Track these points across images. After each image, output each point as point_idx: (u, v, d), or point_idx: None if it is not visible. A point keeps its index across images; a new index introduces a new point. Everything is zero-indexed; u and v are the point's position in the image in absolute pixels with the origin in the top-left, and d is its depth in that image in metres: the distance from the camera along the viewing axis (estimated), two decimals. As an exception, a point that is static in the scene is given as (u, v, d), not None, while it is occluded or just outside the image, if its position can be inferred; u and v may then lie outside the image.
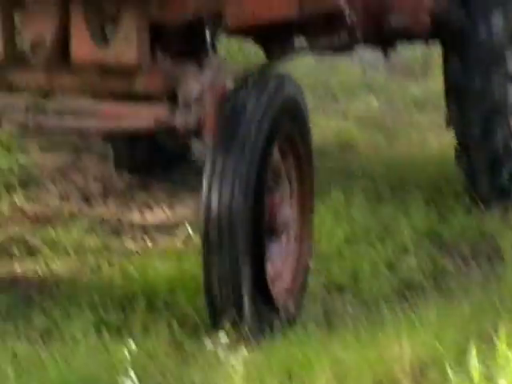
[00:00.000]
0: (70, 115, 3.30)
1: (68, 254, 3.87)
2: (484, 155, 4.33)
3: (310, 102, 6.34)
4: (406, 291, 3.80)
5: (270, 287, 3.28)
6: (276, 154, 3.29)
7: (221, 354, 2.79)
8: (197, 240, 3.53)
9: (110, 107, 3.36)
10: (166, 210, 4.47)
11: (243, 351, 2.79)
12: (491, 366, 2.49)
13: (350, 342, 2.88)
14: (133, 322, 3.14)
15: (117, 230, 4.23)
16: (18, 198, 4.35)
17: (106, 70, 3.17)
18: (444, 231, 4.29)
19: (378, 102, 6.71)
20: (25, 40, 3.29)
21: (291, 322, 3.32)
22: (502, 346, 2.52)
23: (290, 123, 3.39)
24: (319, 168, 5.27)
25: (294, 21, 3.85)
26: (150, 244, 4.10)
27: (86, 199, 4.53)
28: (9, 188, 4.43)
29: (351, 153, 5.74)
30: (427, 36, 4.55)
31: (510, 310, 3.17)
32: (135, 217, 4.41)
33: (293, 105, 3.41)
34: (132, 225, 4.31)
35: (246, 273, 3.12)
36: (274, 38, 4.26)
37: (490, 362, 2.50)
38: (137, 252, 3.98)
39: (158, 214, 4.46)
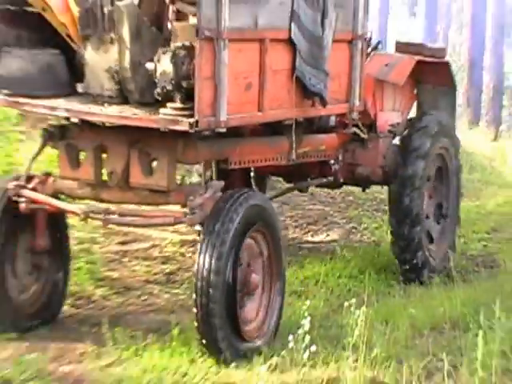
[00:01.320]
0: (127, 216, 4.78)
1: None
2: (408, 247, 6.46)
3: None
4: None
5: (242, 328, 4.41)
6: (245, 240, 4.40)
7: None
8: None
9: (149, 211, 4.94)
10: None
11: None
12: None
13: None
14: None
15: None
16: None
17: (152, 190, 4.62)
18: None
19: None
20: (106, 171, 4.72)
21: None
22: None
23: (257, 220, 4.56)
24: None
25: (293, 168, 5.76)
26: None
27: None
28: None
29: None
30: (381, 182, 6.79)
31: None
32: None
33: (258, 209, 4.59)
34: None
35: (221, 317, 4.25)
36: (293, 178, 6.53)
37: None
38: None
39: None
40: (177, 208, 4.84)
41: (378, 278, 6.54)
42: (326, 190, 8.40)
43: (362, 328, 4.03)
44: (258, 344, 4.54)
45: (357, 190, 8.06)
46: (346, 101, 5.58)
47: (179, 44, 4.33)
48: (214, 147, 4.78)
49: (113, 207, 4.83)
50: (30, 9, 4.81)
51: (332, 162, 6.20)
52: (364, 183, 6.92)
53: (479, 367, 3.68)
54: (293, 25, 4.78)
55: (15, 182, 4.75)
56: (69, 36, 4.73)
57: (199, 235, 4.65)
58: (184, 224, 4.85)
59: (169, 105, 4.25)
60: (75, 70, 4.80)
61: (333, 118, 5.92)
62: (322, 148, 5.93)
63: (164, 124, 4.21)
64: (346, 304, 4.38)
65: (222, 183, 4.65)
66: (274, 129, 5.27)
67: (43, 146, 4.94)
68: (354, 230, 8.19)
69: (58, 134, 4.89)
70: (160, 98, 4.31)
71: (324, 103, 5.15)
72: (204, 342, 4.31)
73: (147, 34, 4.57)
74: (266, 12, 4.55)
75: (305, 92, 5.02)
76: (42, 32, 4.89)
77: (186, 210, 4.48)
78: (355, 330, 4.02)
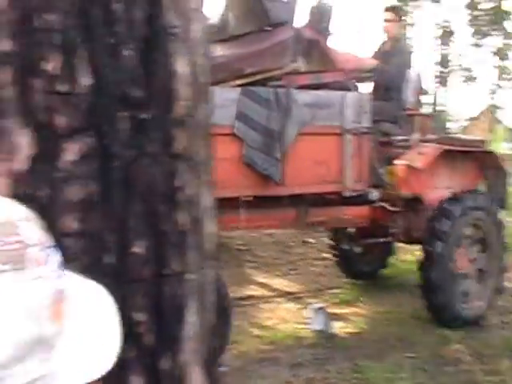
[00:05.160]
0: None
1: None
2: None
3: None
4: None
5: None
6: None
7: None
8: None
9: None
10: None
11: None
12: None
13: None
14: None
15: None
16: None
17: None
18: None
19: None
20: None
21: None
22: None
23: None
24: None
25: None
26: None
27: None
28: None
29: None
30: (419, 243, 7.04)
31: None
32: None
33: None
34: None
35: None
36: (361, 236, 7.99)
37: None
38: None
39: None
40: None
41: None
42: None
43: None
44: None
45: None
46: (338, 181, 6.38)
47: None
48: None
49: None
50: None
51: (390, 226, 7.16)
52: (418, 243, 7.25)
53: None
54: (237, 122, 5.73)
55: None
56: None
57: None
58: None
59: None
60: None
61: (375, 194, 6.86)
62: (344, 217, 6.89)
63: None
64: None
65: None
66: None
67: None
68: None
69: None
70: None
71: (277, 183, 5.91)
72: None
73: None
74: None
75: (259, 174, 5.85)
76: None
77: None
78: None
